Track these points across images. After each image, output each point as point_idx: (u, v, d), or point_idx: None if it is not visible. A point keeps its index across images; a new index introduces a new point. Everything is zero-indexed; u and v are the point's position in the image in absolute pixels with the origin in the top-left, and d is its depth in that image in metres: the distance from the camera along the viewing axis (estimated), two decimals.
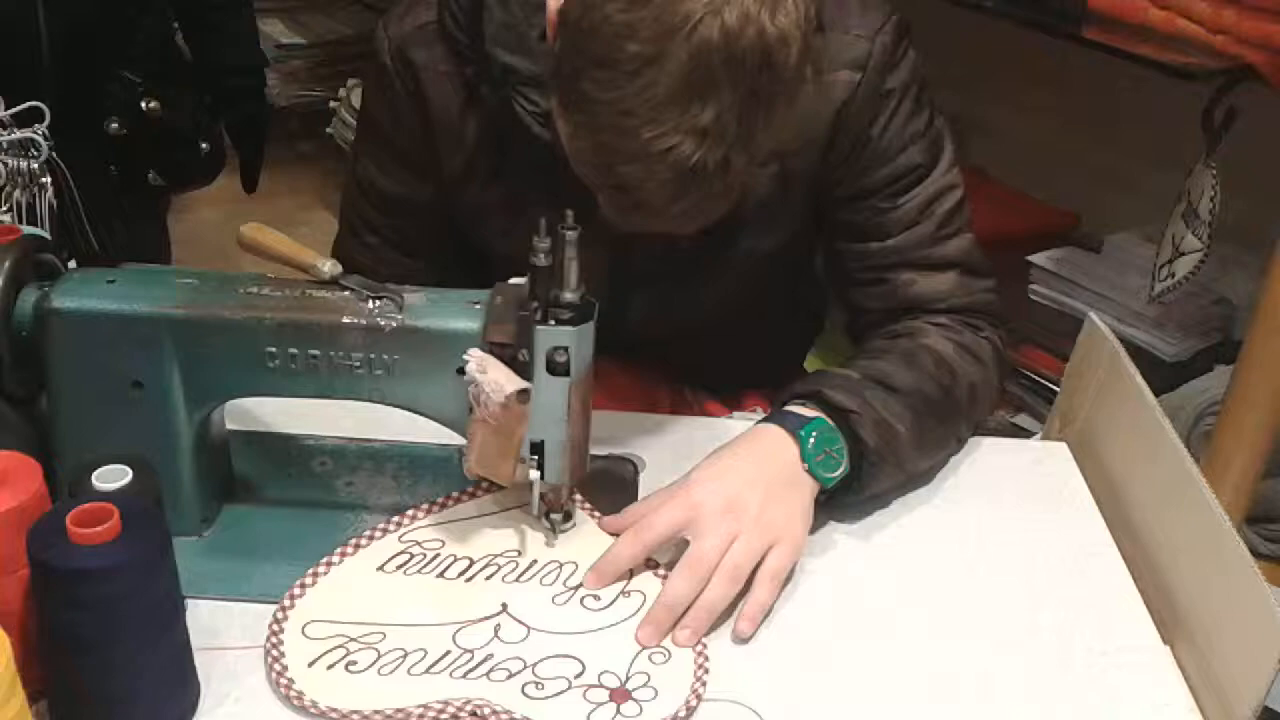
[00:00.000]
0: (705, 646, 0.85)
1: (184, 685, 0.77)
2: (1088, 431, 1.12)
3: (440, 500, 0.94)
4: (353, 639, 0.83)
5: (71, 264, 0.93)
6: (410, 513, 0.93)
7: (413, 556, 0.90)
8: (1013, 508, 1.02)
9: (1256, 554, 0.85)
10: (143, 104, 1.55)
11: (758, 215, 1.07)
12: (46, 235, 0.98)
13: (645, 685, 0.81)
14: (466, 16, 1.01)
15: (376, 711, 0.77)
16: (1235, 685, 0.82)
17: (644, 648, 0.84)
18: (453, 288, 0.89)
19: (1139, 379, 1.04)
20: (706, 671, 0.83)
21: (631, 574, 0.90)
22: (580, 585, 0.89)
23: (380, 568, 0.89)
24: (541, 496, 0.92)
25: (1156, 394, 1.03)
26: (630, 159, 0.82)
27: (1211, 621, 0.87)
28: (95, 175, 1.49)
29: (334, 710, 0.77)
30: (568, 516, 0.95)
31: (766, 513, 0.90)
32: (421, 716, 0.77)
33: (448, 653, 0.83)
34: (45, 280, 0.87)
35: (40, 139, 1.18)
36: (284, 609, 0.84)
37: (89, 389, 0.86)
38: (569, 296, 0.85)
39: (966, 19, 1.81)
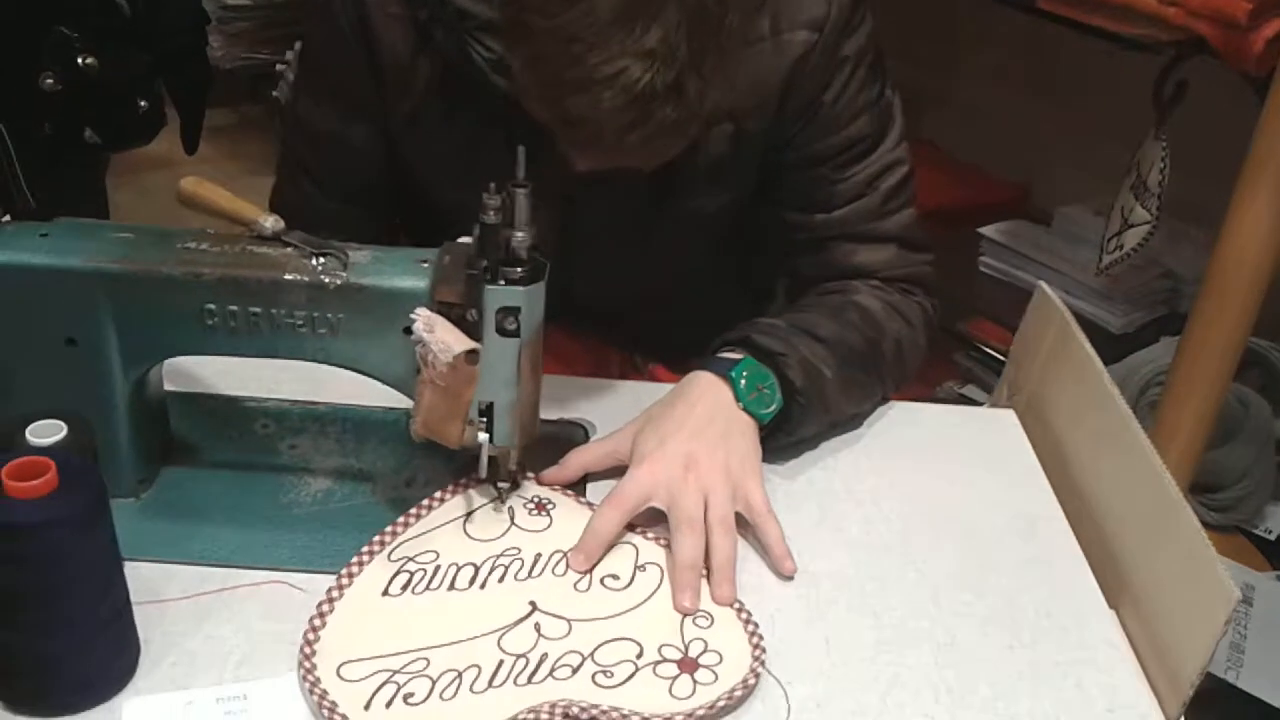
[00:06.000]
0: (744, 603, 0.84)
1: (124, 645, 0.76)
2: (1036, 399, 1.13)
3: (412, 512, 0.90)
4: (396, 671, 0.77)
5: (5, 219, 0.90)
6: (389, 529, 0.88)
7: (412, 575, 0.85)
8: (960, 474, 1.02)
9: (1200, 523, 0.86)
10: (79, 60, 1.50)
11: (708, 174, 1.07)
12: None
13: (706, 650, 0.81)
14: None
15: None
16: (1180, 649, 0.83)
17: (687, 614, 0.84)
18: (395, 245, 0.87)
19: (1088, 347, 1.04)
20: (757, 625, 0.82)
21: (638, 551, 0.89)
22: (593, 568, 0.87)
23: (385, 592, 0.83)
24: (491, 460, 0.91)
25: (1103, 365, 1.03)
26: (578, 88, 0.81)
27: (1157, 586, 0.88)
28: (30, 132, 1.44)
29: None
30: (515, 484, 0.94)
31: (721, 459, 0.91)
32: None
33: (501, 662, 0.79)
34: None
35: None
36: (306, 656, 0.77)
37: (21, 345, 0.83)
38: (520, 255, 0.84)
39: None
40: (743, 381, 0.95)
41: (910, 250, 1.11)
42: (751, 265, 1.29)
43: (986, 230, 1.94)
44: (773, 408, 0.96)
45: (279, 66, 3.06)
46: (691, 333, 1.18)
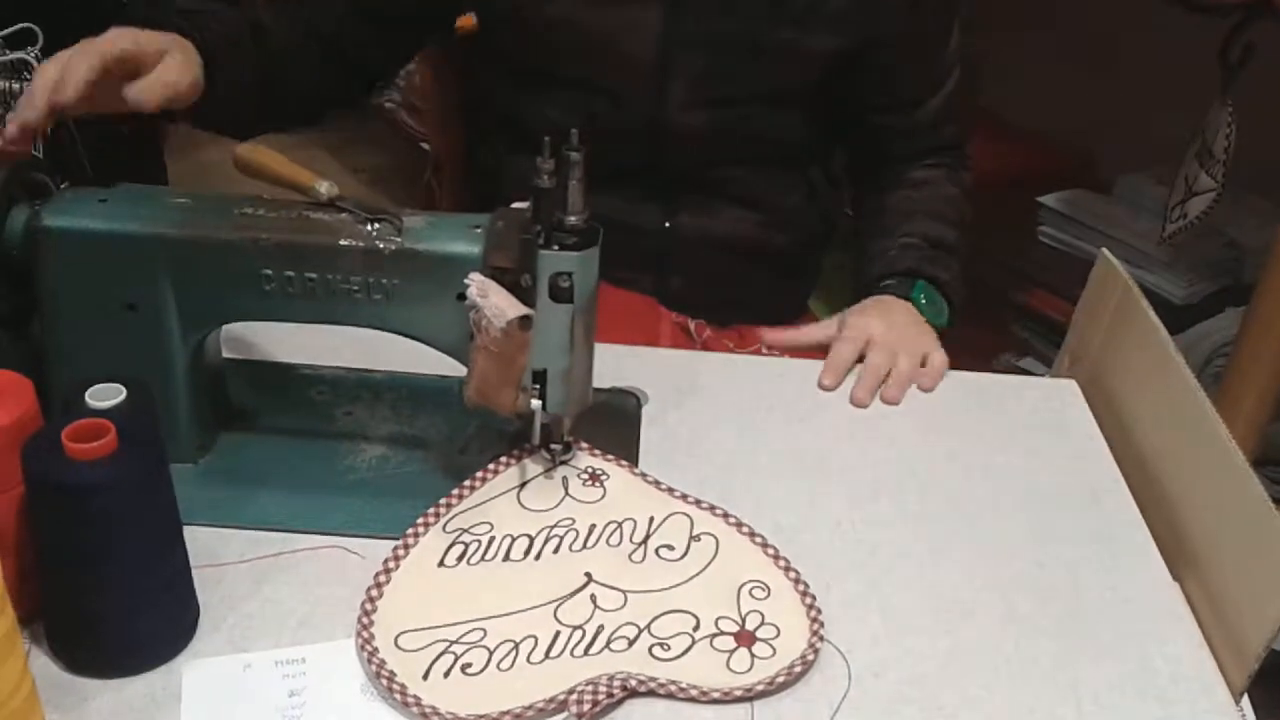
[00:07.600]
0: (800, 574, 0.84)
1: (183, 606, 0.76)
2: (1098, 369, 1.11)
3: (467, 484, 0.89)
4: (453, 641, 0.77)
5: (64, 186, 0.90)
6: (444, 501, 0.88)
7: (467, 546, 0.85)
8: (1021, 444, 1.01)
9: None
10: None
11: (826, 17, 1.15)
12: (39, 155, 0.96)
13: (764, 623, 0.80)
14: None
15: (526, 707, 0.73)
16: (1245, 622, 0.81)
17: (860, 406, 1.05)
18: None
19: (1152, 315, 1.02)
20: (815, 598, 0.82)
21: (692, 522, 0.88)
22: (647, 539, 0.86)
23: (441, 563, 0.83)
24: (544, 428, 0.91)
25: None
26: None
27: (1222, 558, 0.86)
28: None
29: (483, 718, 0.72)
30: (568, 447, 0.93)
31: (913, 341, 1.12)
32: (579, 700, 0.73)
33: (558, 633, 0.79)
34: (36, 200, 0.85)
35: (34, 61, 1.15)
36: (364, 627, 0.77)
37: (81, 310, 0.84)
38: (573, 221, 0.83)
39: None
40: (923, 300, 1.18)
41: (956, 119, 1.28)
42: (815, 196, 1.33)
43: (1046, 199, 1.91)
44: (946, 315, 1.20)
45: None
46: (747, 279, 1.24)
